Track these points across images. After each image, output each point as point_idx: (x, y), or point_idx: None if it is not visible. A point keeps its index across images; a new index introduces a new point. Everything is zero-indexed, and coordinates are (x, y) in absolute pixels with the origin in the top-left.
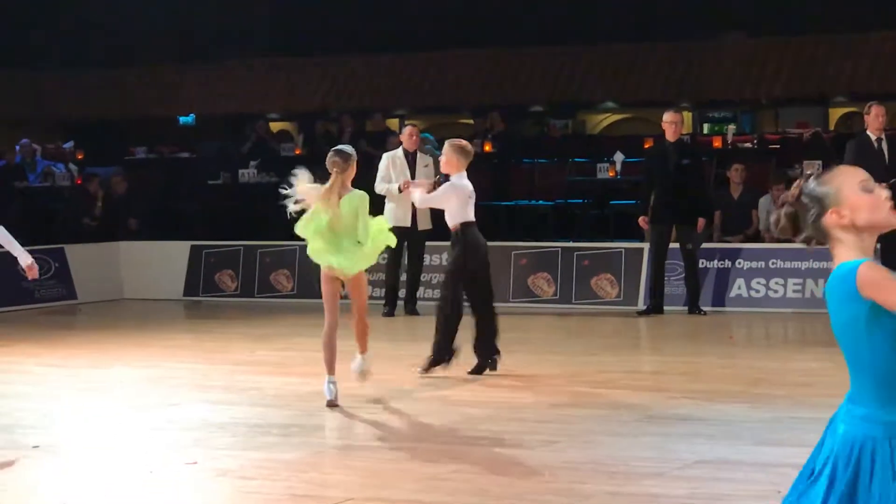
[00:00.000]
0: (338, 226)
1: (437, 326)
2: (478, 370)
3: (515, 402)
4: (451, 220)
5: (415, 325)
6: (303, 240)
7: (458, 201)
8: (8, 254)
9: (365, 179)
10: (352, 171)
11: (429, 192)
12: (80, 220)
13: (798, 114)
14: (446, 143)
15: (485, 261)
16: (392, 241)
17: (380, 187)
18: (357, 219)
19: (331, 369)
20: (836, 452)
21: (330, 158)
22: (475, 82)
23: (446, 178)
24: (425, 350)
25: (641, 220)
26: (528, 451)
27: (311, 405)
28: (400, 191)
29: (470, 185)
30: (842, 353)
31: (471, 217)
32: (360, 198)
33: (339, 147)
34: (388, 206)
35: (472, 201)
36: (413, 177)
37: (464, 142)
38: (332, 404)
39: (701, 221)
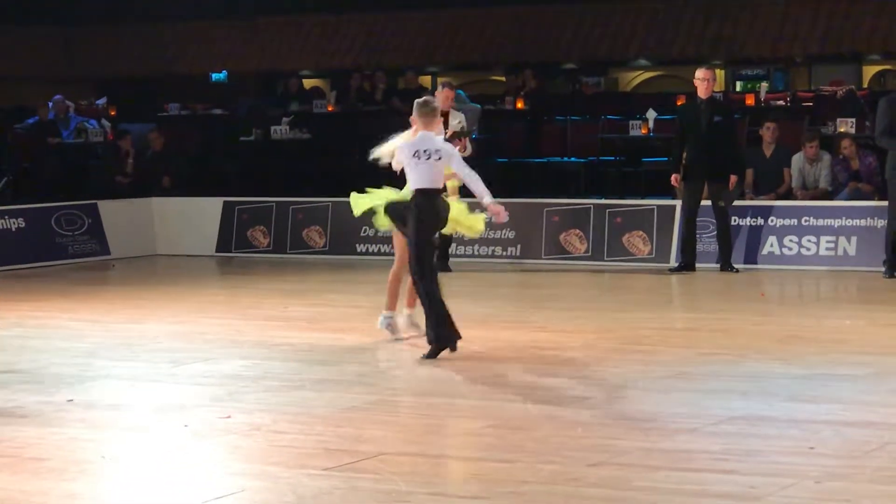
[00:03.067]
0: None
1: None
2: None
3: (548, 359)
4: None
5: (448, 281)
6: (335, 196)
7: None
8: (42, 210)
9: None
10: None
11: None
12: (113, 177)
13: (831, 71)
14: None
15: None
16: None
17: None
18: None
19: (391, 305)
20: None
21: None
22: (508, 39)
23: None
24: (459, 306)
25: (673, 179)
26: (561, 408)
27: (345, 360)
28: None
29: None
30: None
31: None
32: None
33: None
34: None
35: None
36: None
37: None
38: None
39: (733, 178)
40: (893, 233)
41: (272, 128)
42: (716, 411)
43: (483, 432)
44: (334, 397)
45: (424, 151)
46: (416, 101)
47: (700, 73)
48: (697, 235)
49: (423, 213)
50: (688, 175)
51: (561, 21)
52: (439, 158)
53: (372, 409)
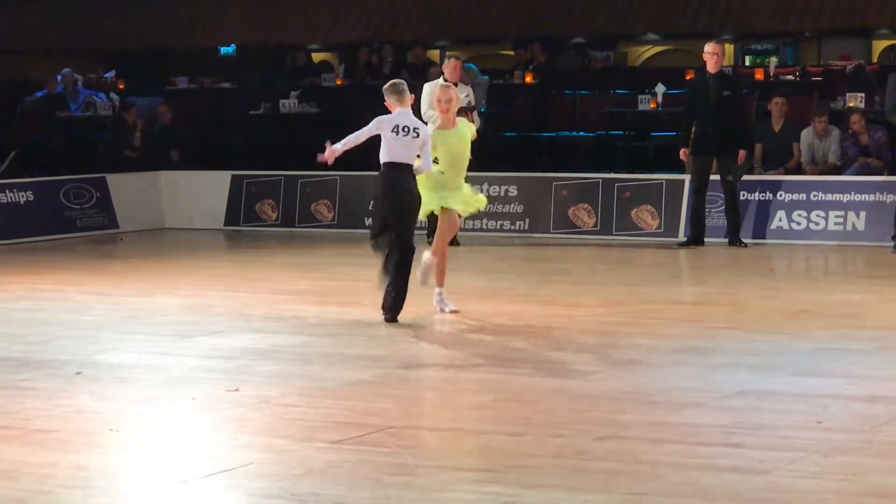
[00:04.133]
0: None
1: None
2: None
3: (556, 332)
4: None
5: (456, 255)
6: (344, 170)
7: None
8: (51, 183)
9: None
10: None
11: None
12: (121, 151)
13: (841, 46)
14: None
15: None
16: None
17: (428, 114)
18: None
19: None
20: None
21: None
22: (516, 13)
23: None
24: (467, 280)
25: (682, 153)
26: (568, 381)
27: (353, 334)
28: None
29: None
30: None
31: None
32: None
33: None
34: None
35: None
36: None
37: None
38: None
39: (741, 153)
40: None
41: (281, 101)
42: (723, 385)
43: (490, 405)
44: (342, 371)
45: (404, 128)
46: (384, 87)
47: (709, 48)
48: (706, 210)
49: (393, 186)
50: (696, 149)
51: None
52: (416, 136)
53: (380, 383)
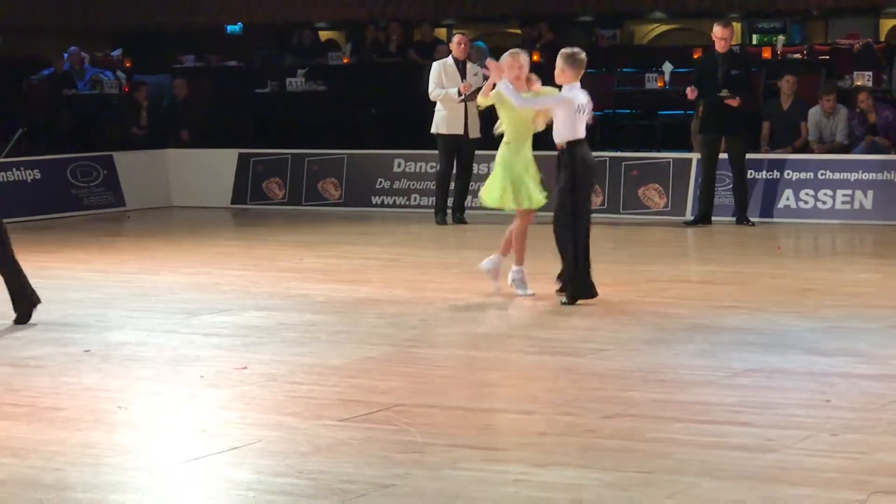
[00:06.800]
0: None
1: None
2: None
3: (564, 311)
4: (558, 137)
5: (463, 233)
6: (350, 148)
7: (565, 114)
8: (58, 162)
9: (416, 88)
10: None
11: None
12: (128, 129)
13: (848, 24)
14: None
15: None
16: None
17: (435, 93)
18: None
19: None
20: None
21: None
22: None
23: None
24: (476, 258)
25: (689, 90)
26: (577, 359)
27: (360, 312)
28: (459, 93)
29: (582, 98)
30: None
31: (580, 134)
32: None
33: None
34: (441, 114)
35: (583, 116)
36: None
37: (573, 49)
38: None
39: (736, 100)
40: None
41: (287, 79)
42: (731, 364)
43: (499, 384)
44: (350, 349)
45: (579, 106)
46: (565, 51)
47: (718, 32)
48: (714, 188)
49: (581, 162)
50: (705, 128)
51: None
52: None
53: (387, 361)
